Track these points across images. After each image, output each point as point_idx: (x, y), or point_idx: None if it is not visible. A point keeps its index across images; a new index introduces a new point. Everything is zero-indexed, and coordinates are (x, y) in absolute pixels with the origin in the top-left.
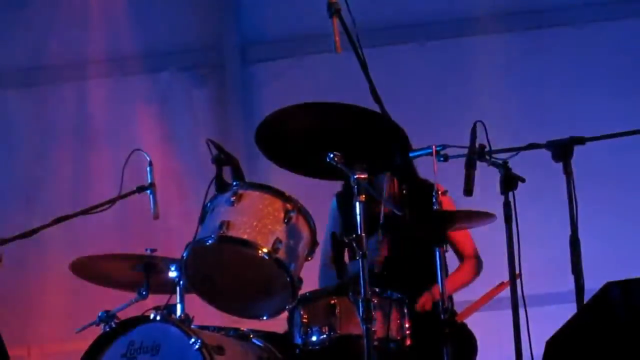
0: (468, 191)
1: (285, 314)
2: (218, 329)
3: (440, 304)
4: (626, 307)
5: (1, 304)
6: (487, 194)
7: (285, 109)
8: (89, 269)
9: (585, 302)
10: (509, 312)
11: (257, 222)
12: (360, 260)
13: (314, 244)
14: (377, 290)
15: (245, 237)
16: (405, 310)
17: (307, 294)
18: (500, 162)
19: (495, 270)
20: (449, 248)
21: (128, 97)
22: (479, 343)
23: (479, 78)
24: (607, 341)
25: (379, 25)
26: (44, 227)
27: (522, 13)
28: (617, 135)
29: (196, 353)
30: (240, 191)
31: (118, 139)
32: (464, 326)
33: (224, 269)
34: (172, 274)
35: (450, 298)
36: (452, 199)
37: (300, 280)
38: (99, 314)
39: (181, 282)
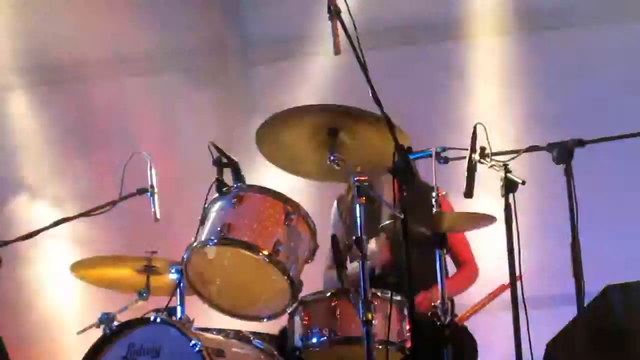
0: (468, 193)
1: (286, 316)
2: (218, 331)
3: (440, 306)
4: (626, 310)
5: (1, 305)
6: (488, 196)
7: (286, 110)
8: (90, 271)
9: (585, 304)
10: (510, 314)
11: (257, 225)
12: (360, 262)
13: (314, 246)
14: (377, 292)
15: (245, 239)
16: (406, 312)
17: (308, 296)
18: (501, 164)
19: (495, 273)
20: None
21: (129, 98)
22: (479, 345)
23: (479, 80)
24: (607, 343)
25: (379, 27)
26: (44, 228)
27: (523, 15)
28: (617, 137)
29: (197, 355)
30: (241, 193)
31: (119, 141)
32: (464, 328)
33: (224, 271)
34: (173, 276)
35: (451, 300)
36: (451, 202)
37: (301, 282)
38: (100, 316)
39: (182, 284)
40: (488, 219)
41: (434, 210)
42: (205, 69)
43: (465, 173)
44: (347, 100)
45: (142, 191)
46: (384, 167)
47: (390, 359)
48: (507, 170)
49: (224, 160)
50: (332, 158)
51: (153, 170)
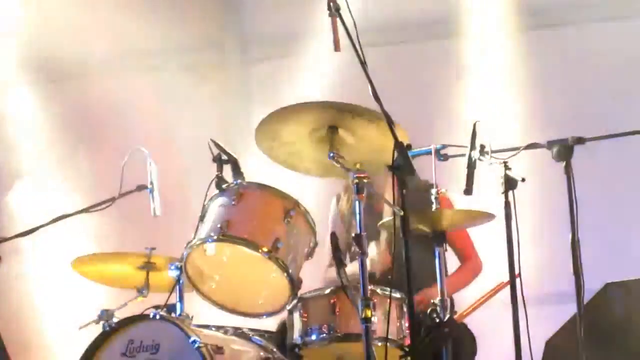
0: (468, 191)
1: (285, 313)
2: (217, 328)
3: (440, 303)
4: (625, 307)
5: (1, 302)
6: (487, 193)
7: (285, 107)
8: (89, 268)
9: (585, 302)
10: (509, 311)
11: (257, 221)
12: (360, 259)
13: (314, 243)
14: (377, 289)
15: (245, 236)
16: (405, 310)
17: (307, 293)
18: (501, 161)
19: (495, 270)
20: (448, 248)
21: (128, 95)
22: (478, 343)
23: (479, 78)
24: (607, 341)
25: (378, 24)
26: (44, 225)
27: (522, 13)
28: (617, 135)
29: (196, 352)
30: (240, 190)
31: (118, 137)
32: (463, 326)
33: (223, 268)
34: (172, 272)
35: (450, 298)
36: (450, 199)
37: (300, 280)
38: (99, 312)
39: (181, 281)
40: (487, 217)
41: (434, 207)
42: (204, 65)
43: (465, 170)
44: (346, 97)
45: (141, 188)
46: (384, 164)
47: (389, 356)
48: (506, 168)
49: (224, 156)
50: (331, 155)
51: (153, 167)
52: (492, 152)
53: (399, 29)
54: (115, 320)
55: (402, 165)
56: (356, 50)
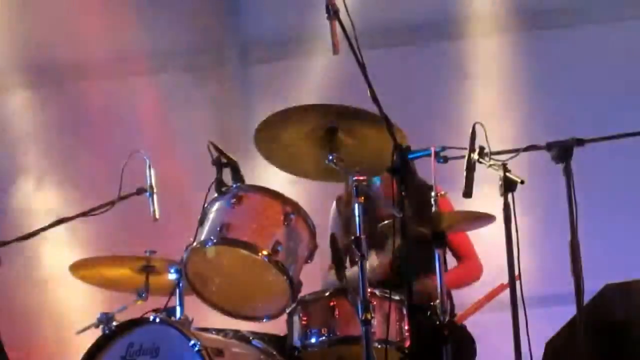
0: (467, 193)
1: (285, 316)
2: (218, 331)
3: (439, 305)
4: (625, 308)
5: (0, 306)
6: (487, 195)
7: (285, 110)
8: (89, 271)
9: (584, 303)
10: (509, 313)
11: (256, 225)
12: (359, 262)
13: (313, 246)
14: (376, 291)
15: (245, 239)
16: (405, 312)
17: (307, 296)
18: (500, 163)
19: (494, 272)
20: (447, 251)
21: (127, 97)
22: (478, 344)
23: (478, 79)
24: (607, 342)
25: (377, 27)
26: (43, 228)
27: (522, 14)
28: (617, 136)
29: (196, 355)
30: (240, 193)
31: (118, 140)
32: (463, 328)
33: (223, 271)
34: (172, 275)
35: (450, 299)
36: (450, 201)
37: (300, 283)
38: (98, 316)
39: (181, 284)
40: (487, 219)
41: (433, 209)
42: (204, 68)
43: (464, 172)
44: (345, 100)
45: (141, 191)
46: (383, 167)
47: (389, 358)
48: (506, 170)
49: (223, 159)
50: (330, 157)
51: (152, 170)
52: (492, 153)
53: (397, 31)
54: (114, 323)
55: (401, 167)
56: (355, 53)
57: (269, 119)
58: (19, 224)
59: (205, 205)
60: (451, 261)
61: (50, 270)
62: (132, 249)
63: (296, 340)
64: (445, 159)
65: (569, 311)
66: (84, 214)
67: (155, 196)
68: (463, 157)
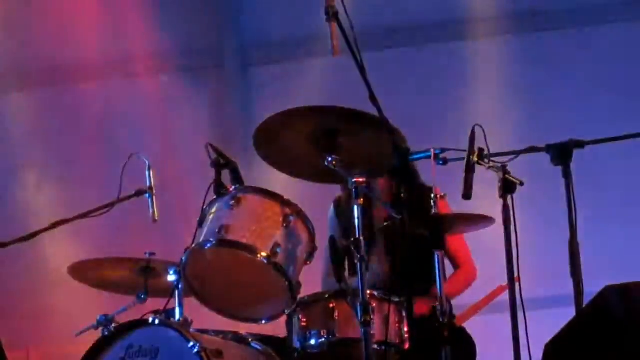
0: (467, 195)
1: (284, 318)
2: (217, 333)
3: (439, 307)
4: (625, 311)
5: (0, 307)
6: (486, 197)
7: (284, 112)
8: (88, 273)
9: (584, 305)
10: (508, 315)
11: (256, 226)
12: (358, 264)
13: (313, 248)
14: (375, 293)
15: (244, 241)
16: (404, 314)
17: (306, 298)
18: (499, 165)
19: (494, 274)
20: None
21: (127, 99)
22: (477, 346)
23: (478, 81)
24: (606, 344)
25: (377, 29)
26: (43, 230)
27: (521, 16)
28: (616, 139)
29: (195, 357)
30: (239, 195)
31: (117, 142)
32: (462, 330)
33: (222, 273)
34: (171, 277)
35: (449, 301)
36: (448, 204)
37: (299, 284)
38: (98, 318)
39: (180, 286)
40: (486, 220)
41: (432, 211)
42: (203, 69)
43: (464, 174)
44: (345, 102)
45: (140, 192)
46: (383, 169)
47: None
48: (505, 172)
49: (222, 161)
50: (330, 160)
51: (151, 172)
52: (491, 155)
53: (397, 33)
54: (114, 325)
55: (400, 169)
56: (354, 55)
57: (268, 121)
58: (19, 226)
59: (205, 207)
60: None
61: (49, 272)
62: (132, 251)
63: (296, 342)
64: (445, 161)
65: (569, 313)
66: (83, 216)
67: (154, 198)
68: (463, 159)
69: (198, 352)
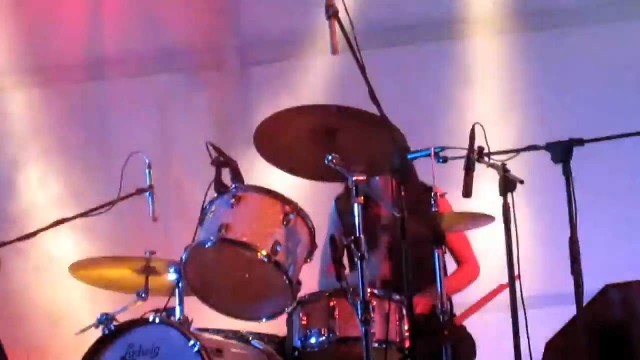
0: (467, 193)
1: (285, 317)
2: (217, 332)
3: (439, 306)
4: (625, 309)
5: (0, 306)
6: (486, 196)
7: (284, 111)
8: (89, 272)
9: (584, 304)
10: (509, 314)
11: (256, 225)
12: (358, 263)
13: (313, 246)
14: (376, 292)
15: (244, 239)
16: (405, 312)
17: (306, 296)
18: (499, 164)
19: (494, 272)
20: (446, 250)
21: (127, 99)
22: (478, 345)
23: (478, 80)
24: (607, 343)
25: (377, 27)
26: (44, 229)
27: (521, 15)
28: (617, 137)
29: (195, 356)
30: (239, 194)
31: (117, 141)
32: (463, 328)
33: (223, 272)
34: (172, 276)
35: (450, 300)
36: (448, 202)
37: (300, 283)
38: (98, 317)
39: (180, 285)
40: (486, 219)
41: (433, 210)
42: (203, 69)
43: (464, 173)
44: (345, 101)
45: (141, 191)
46: (383, 168)
47: (389, 358)
48: (505, 170)
49: (223, 160)
50: (330, 158)
51: (151, 171)
52: (491, 154)
53: (397, 32)
54: (115, 324)
55: (400, 167)
56: (354, 53)
57: (268, 120)
58: (19, 225)
59: (205, 206)
60: (449, 265)
61: (50, 271)
62: (132, 250)
63: (296, 341)
64: (445, 160)
65: (569, 312)
66: (84, 215)
67: (154, 197)
68: (463, 157)
69: (198, 350)
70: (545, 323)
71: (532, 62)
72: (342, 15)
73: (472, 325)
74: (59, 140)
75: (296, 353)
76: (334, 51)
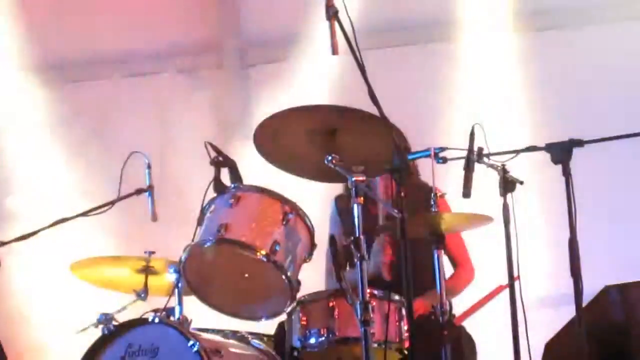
0: (466, 193)
1: (284, 316)
2: (216, 332)
3: (439, 306)
4: (624, 310)
5: (0, 306)
6: (486, 196)
7: (284, 111)
8: (88, 271)
9: (584, 304)
10: (508, 314)
11: (255, 225)
12: (358, 263)
13: (312, 246)
14: (375, 292)
15: (243, 239)
16: (404, 313)
17: (306, 296)
18: (499, 164)
19: (493, 273)
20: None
21: (127, 98)
22: (477, 345)
23: (477, 80)
24: (606, 343)
25: (377, 28)
26: (43, 228)
27: (522, 15)
28: (616, 137)
29: (194, 355)
30: (238, 193)
31: (117, 141)
32: (462, 329)
33: (222, 271)
34: (171, 276)
35: (449, 301)
36: (447, 202)
37: (299, 282)
38: (98, 316)
39: (180, 284)
40: (485, 219)
41: (432, 210)
42: (203, 69)
43: (464, 173)
44: (345, 101)
45: (140, 191)
46: (382, 168)
47: (388, 359)
48: (505, 171)
49: (222, 159)
50: (329, 158)
51: (151, 170)
52: (491, 154)
53: (397, 32)
54: (114, 323)
55: (400, 168)
56: (354, 53)
57: (268, 119)
58: (19, 224)
59: (204, 206)
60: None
61: (50, 271)
62: (132, 249)
63: (295, 341)
64: (445, 160)
65: (568, 312)
66: (83, 214)
67: (154, 196)
68: (462, 157)
69: (197, 350)
70: (545, 323)
71: (532, 62)
72: (342, 15)
73: (472, 325)
74: (59, 140)
75: (295, 353)
76: (334, 51)
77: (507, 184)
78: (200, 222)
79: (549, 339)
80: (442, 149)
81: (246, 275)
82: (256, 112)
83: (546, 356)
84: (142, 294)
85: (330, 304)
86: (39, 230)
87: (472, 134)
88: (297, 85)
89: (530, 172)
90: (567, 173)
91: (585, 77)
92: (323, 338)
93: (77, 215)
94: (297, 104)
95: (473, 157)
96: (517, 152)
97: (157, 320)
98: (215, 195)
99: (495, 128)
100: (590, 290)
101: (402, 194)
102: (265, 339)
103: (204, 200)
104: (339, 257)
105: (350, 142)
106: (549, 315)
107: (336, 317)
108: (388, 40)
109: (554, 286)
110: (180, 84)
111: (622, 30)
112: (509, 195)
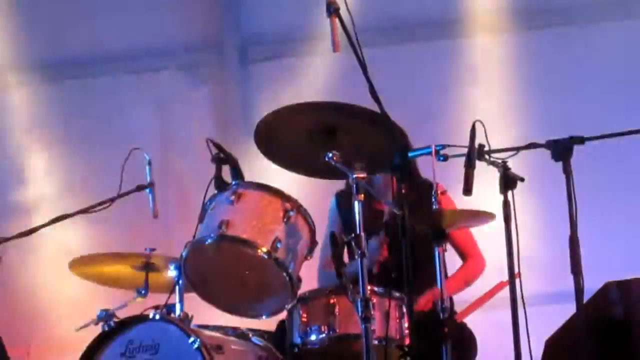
0: (467, 191)
1: (284, 313)
2: (217, 328)
3: (440, 303)
4: (625, 307)
5: (0, 304)
6: (487, 193)
7: (284, 108)
8: (89, 268)
9: (584, 301)
10: (508, 311)
11: (256, 222)
12: (359, 260)
13: (313, 243)
14: (376, 289)
15: (244, 236)
16: (405, 310)
17: (306, 293)
18: (500, 161)
19: (494, 270)
20: (448, 248)
21: (128, 95)
22: (478, 342)
23: (478, 78)
24: (607, 341)
25: (378, 25)
26: (43, 225)
27: (522, 14)
28: (616, 134)
29: (195, 352)
30: (239, 190)
31: (118, 138)
32: (463, 325)
33: (223, 268)
34: (172, 273)
35: (450, 297)
36: (451, 199)
37: (300, 280)
38: (98, 313)
39: (180, 281)
40: (487, 216)
41: (434, 207)
42: (203, 66)
43: (464, 170)
44: (346, 98)
45: (141, 188)
46: (383, 165)
47: (389, 356)
48: (506, 168)
49: (223, 156)
50: (330, 156)
51: (152, 167)
52: (492, 152)
53: (398, 30)
54: (114, 320)
55: (401, 165)
56: (355, 51)
57: (268, 117)
58: (19, 221)
59: (205, 202)
60: (453, 261)
61: (50, 267)
62: (132, 246)
63: (296, 338)
64: (446, 157)
65: (569, 309)
66: (84, 211)
67: (154, 193)
68: (463, 155)
69: (198, 347)
70: (545, 320)
71: (533, 60)
72: (343, 12)
73: (472, 322)
74: (59, 137)
75: (296, 349)
76: (335, 48)
77: (508, 181)
78: (201, 218)
79: (549, 335)
80: (443, 147)
81: (247, 272)
82: (257, 110)
83: (546, 353)
84: (143, 290)
85: (331, 301)
86: (39, 227)
87: (472, 131)
88: (298, 83)
89: (531, 169)
90: (567, 170)
91: (586, 75)
92: (323, 335)
93: (78, 212)
94: (297, 101)
95: (474, 155)
96: (518, 149)
97: (158, 316)
98: (216, 192)
99: (496, 125)
100: (591, 287)
101: (403, 191)
102: (265, 335)
103: (204, 197)
104: (340, 253)
105: (350, 139)
106: (549, 311)
107: (337, 313)
108: (389, 38)
109: (554, 283)
110: (181, 81)
111: (622, 29)
112: (509, 193)
